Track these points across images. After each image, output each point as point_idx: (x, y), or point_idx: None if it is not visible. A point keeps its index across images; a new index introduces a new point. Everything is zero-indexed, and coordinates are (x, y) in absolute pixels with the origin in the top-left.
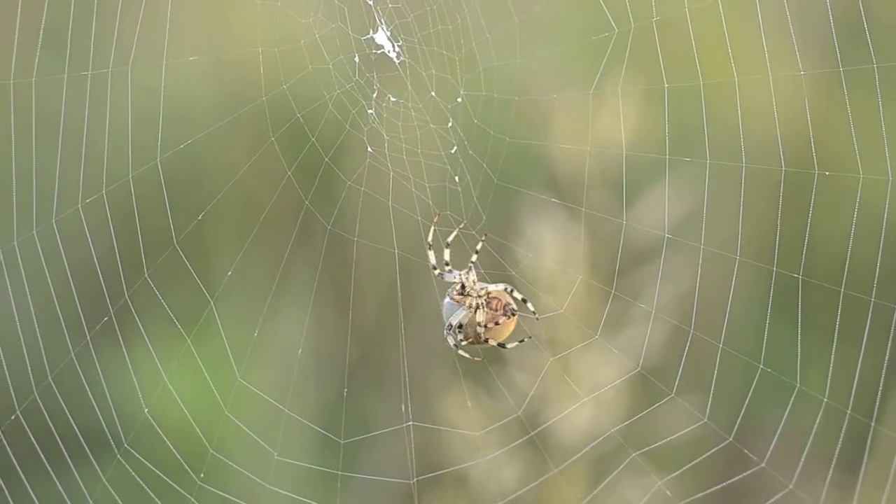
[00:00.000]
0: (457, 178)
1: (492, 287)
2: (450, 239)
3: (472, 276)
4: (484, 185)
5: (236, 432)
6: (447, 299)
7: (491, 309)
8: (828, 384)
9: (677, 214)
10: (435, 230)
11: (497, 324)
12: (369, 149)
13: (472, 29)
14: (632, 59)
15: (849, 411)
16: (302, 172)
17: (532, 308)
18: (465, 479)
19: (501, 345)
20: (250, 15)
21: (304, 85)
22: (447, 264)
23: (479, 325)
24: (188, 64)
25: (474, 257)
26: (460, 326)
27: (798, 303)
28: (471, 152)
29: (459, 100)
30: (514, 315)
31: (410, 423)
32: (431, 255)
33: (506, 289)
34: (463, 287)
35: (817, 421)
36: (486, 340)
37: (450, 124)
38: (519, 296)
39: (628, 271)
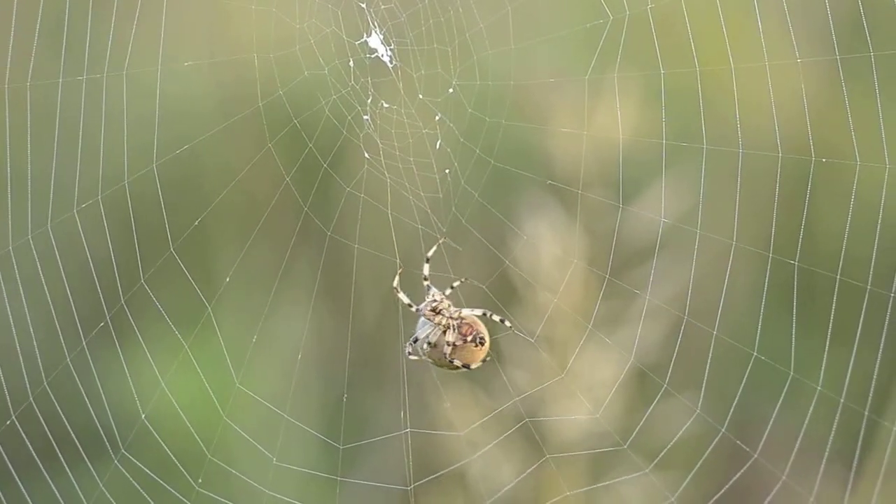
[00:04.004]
0: (447, 173)
1: (467, 312)
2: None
3: (434, 293)
4: (476, 181)
5: (235, 437)
6: (422, 316)
7: (461, 334)
8: (821, 374)
9: (675, 211)
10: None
11: (460, 354)
12: (366, 154)
13: (464, 21)
14: (627, 46)
15: (842, 400)
16: (300, 177)
17: (509, 324)
18: (463, 478)
19: (466, 366)
20: (245, 20)
21: (300, 90)
22: (426, 279)
23: (447, 346)
24: (184, 68)
25: (426, 269)
26: (428, 344)
27: (793, 291)
28: (462, 140)
29: (451, 90)
30: (482, 344)
31: (408, 430)
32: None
33: (484, 314)
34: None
35: (809, 412)
36: (451, 362)
37: (438, 117)
38: (497, 318)
39: (624, 271)
